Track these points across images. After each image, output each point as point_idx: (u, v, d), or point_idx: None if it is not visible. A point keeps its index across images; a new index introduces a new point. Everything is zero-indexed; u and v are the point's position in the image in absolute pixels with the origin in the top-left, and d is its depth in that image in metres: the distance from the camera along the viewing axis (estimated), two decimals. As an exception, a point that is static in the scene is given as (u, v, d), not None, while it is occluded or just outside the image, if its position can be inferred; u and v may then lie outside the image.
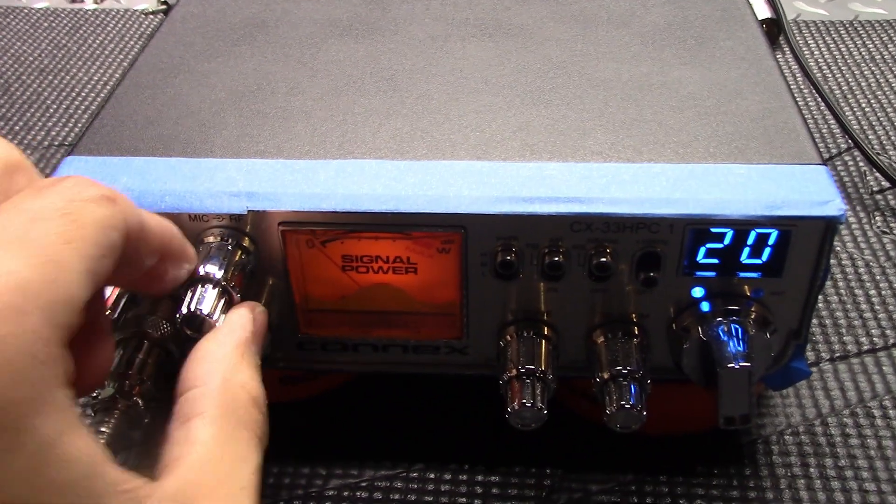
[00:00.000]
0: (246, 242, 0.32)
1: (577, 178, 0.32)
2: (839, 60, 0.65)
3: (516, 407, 0.32)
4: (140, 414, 0.32)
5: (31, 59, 0.67)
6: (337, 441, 0.38)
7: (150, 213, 0.27)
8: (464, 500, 0.36)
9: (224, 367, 0.28)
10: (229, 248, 0.31)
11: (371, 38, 0.41)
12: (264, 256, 0.33)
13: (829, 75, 0.63)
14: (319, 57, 0.40)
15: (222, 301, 0.30)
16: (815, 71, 0.64)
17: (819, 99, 0.58)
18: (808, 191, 0.31)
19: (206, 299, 0.30)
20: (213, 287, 0.30)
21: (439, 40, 0.41)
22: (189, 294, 0.30)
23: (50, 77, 0.65)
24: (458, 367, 0.35)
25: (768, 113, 0.35)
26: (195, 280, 0.30)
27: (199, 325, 0.30)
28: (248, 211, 0.31)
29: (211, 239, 0.31)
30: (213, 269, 0.30)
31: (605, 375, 0.32)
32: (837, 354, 0.42)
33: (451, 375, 0.35)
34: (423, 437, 0.39)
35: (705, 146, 0.33)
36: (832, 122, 0.58)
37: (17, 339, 0.19)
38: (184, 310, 0.30)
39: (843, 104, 0.60)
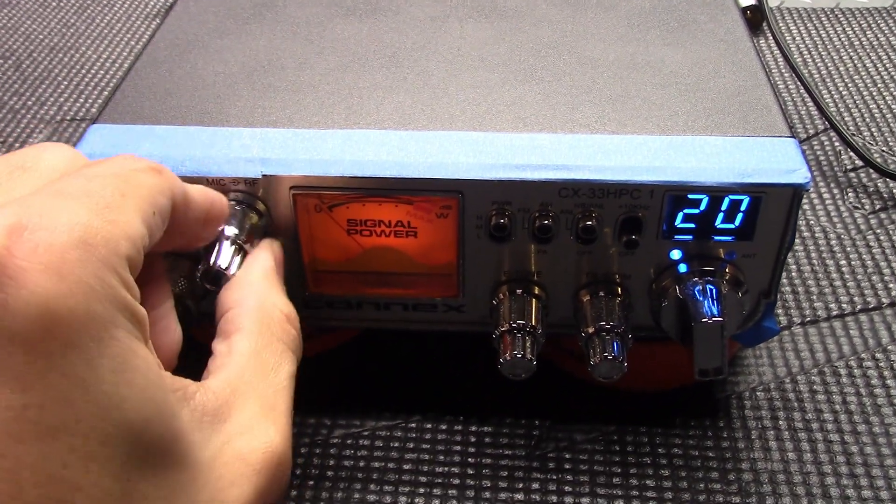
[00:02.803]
0: (259, 205, 0.35)
1: (566, 148, 0.34)
2: (819, 46, 0.68)
3: (508, 358, 0.34)
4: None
5: (41, 37, 0.69)
6: (340, 394, 0.41)
7: (192, 185, 0.30)
8: (459, 448, 0.39)
9: (257, 290, 0.32)
10: (244, 209, 0.34)
11: (373, 18, 0.44)
12: (275, 218, 0.35)
13: (810, 60, 0.66)
14: (325, 35, 0.42)
15: (238, 257, 0.33)
16: (795, 56, 0.66)
17: (798, 82, 0.60)
18: (778, 160, 0.34)
19: (224, 256, 0.32)
20: (231, 244, 0.33)
21: (438, 21, 0.43)
22: (210, 251, 0.33)
23: (60, 55, 0.67)
24: (454, 324, 0.38)
25: (743, 90, 0.38)
26: (214, 238, 0.33)
27: (218, 279, 0.32)
28: (263, 175, 0.34)
29: (229, 202, 0.34)
30: (231, 229, 0.33)
31: (590, 330, 0.35)
32: (808, 319, 0.45)
33: (447, 332, 0.38)
34: (420, 390, 0.41)
35: (684, 120, 0.36)
36: (810, 104, 0.61)
37: (87, 265, 0.22)
38: (205, 265, 0.32)
39: (821, 87, 0.63)
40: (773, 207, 0.34)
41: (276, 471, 0.27)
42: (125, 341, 0.23)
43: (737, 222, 0.34)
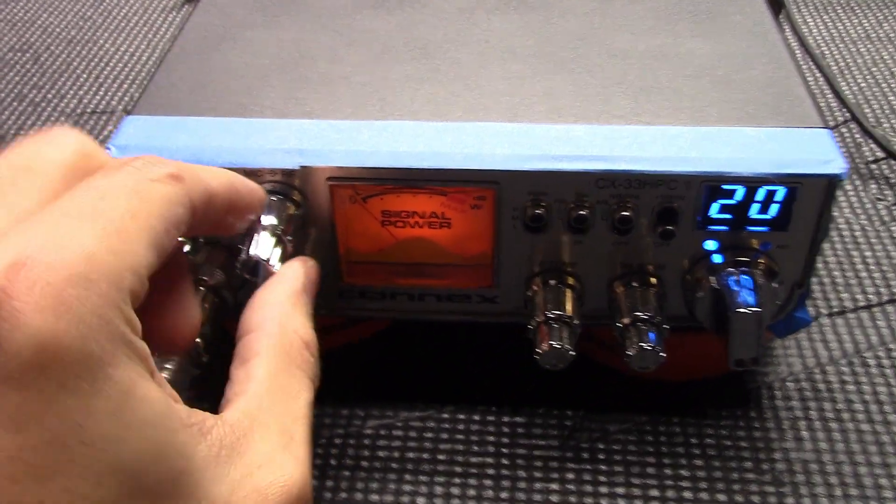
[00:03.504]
0: (296, 196, 0.35)
1: (602, 139, 0.34)
2: (836, 38, 0.68)
3: (546, 348, 0.34)
4: (200, 354, 0.34)
5: (58, 30, 0.69)
6: (373, 385, 0.41)
7: (217, 175, 0.28)
8: (492, 438, 0.39)
9: (278, 313, 0.31)
10: (281, 200, 0.34)
11: (402, 10, 0.43)
12: (312, 209, 0.35)
13: (827, 52, 0.66)
14: (354, 27, 0.42)
15: (278, 249, 0.33)
16: (813, 47, 0.66)
17: (818, 73, 0.60)
18: (813, 151, 0.34)
19: (264, 246, 0.32)
20: (270, 235, 0.33)
21: (466, 12, 0.43)
22: (248, 241, 0.33)
23: (78, 48, 0.67)
24: (488, 315, 0.38)
25: (775, 81, 0.38)
26: (253, 228, 0.33)
27: (257, 270, 0.32)
28: (301, 166, 0.34)
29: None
30: (270, 220, 0.33)
31: (626, 321, 0.35)
32: (835, 310, 0.45)
33: (481, 323, 0.38)
34: (452, 381, 0.42)
35: (718, 111, 0.36)
36: (830, 95, 0.61)
37: (86, 303, 0.21)
38: (244, 255, 0.32)
39: (839, 79, 0.63)
40: (809, 198, 0.34)
41: None
42: (124, 381, 0.22)
43: (772, 213, 0.34)
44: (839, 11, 0.71)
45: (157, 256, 0.25)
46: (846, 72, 0.64)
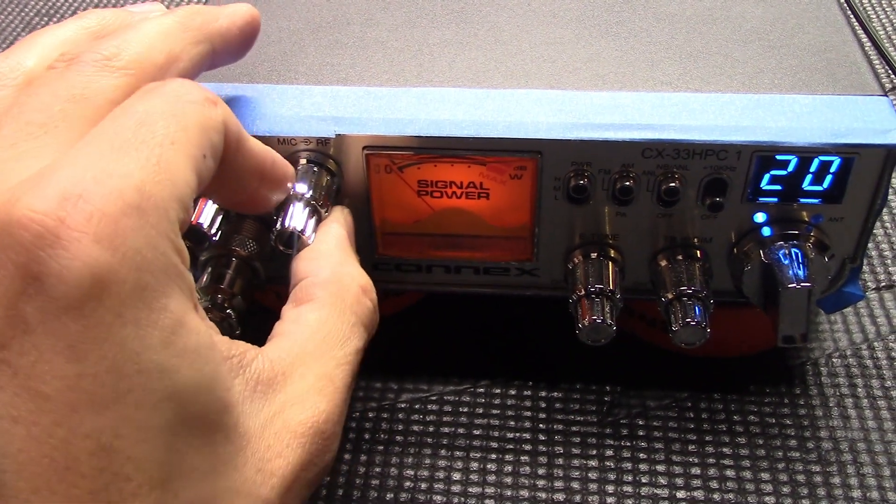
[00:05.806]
0: (330, 164, 0.34)
1: (649, 107, 0.33)
2: (884, 1, 0.65)
3: (587, 323, 0.33)
4: (232, 326, 0.34)
5: (84, -7, 0.68)
6: (406, 358, 0.40)
7: (250, 136, 0.28)
8: (528, 413, 0.38)
9: (333, 261, 0.31)
10: (316, 169, 0.33)
11: (437, -28, 0.42)
12: (347, 179, 0.34)
13: (874, 14, 0.64)
14: (389, -11, 0.41)
15: (313, 219, 0.32)
16: (860, 9, 0.64)
17: (865, 37, 0.58)
18: (871, 120, 0.32)
19: (299, 217, 0.32)
20: (305, 206, 0.32)
21: (504, -26, 0.42)
22: (283, 212, 0.32)
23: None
24: (526, 288, 0.37)
25: (830, 46, 0.36)
26: (287, 199, 0.32)
27: (292, 242, 0.32)
28: (336, 134, 0.33)
29: (300, 161, 0.33)
30: (304, 189, 0.32)
31: (670, 295, 0.34)
32: (883, 284, 0.43)
33: (520, 296, 0.37)
34: (487, 355, 0.41)
35: (770, 77, 0.34)
36: (876, 61, 0.59)
37: (140, 234, 0.22)
38: (279, 227, 0.31)
39: (887, 44, 0.61)
40: (866, 169, 0.32)
41: (321, 444, 0.26)
42: (175, 311, 0.23)
43: (825, 184, 0.33)
44: (886, -27, 0.69)
45: (199, 183, 0.25)
46: (894, 36, 0.61)
